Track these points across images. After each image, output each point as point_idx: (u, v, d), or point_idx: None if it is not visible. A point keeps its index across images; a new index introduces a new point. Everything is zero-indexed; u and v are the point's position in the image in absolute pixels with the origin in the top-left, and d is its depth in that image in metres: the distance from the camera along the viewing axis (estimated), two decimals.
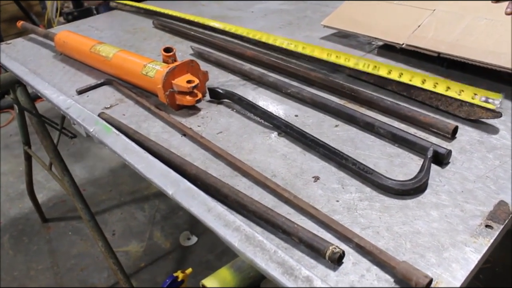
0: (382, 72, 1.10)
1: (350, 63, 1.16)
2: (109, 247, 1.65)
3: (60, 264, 2.14)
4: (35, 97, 1.95)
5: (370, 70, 1.12)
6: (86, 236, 2.28)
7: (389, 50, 1.31)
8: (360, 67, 1.14)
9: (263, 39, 1.37)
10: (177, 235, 2.26)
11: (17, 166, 2.88)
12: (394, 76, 1.08)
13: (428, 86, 1.02)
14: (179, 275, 1.47)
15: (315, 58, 1.23)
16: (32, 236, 2.33)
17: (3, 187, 2.72)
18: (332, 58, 1.19)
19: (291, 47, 1.29)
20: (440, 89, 1.00)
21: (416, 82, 1.04)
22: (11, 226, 2.41)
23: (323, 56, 1.21)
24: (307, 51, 1.25)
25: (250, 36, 1.41)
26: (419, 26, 1.23)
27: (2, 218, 2.46)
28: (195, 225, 2.31)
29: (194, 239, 2.23)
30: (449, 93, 0.99)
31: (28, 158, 2.04)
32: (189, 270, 1.49)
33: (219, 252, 2.14)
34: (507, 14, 0.96)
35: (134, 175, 2.70)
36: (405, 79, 1.06)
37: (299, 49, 1.27)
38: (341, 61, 1.18)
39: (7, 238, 2.33)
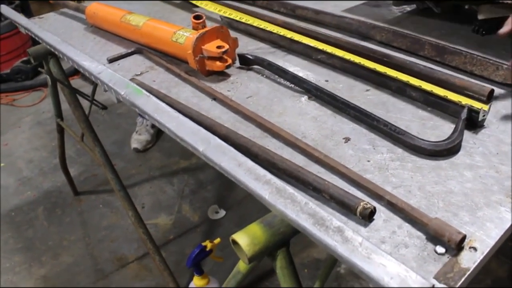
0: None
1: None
2: (139, 217, 1.68)
3: (91, 235, 2.19)
4: (68, 74, 1.98)
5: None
6: (116, 209, 2.33)
7: (422, 15, 1.28)
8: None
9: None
10: (205, 208, 2.28)
11: (50, 142, 2.94)
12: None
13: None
14: (208, 244, 1.48)
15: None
16: (65, 208, 2.39)
17: (36, 161, 2.79)
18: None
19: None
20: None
21: None
22: (45, 198, 2.48)
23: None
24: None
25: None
26: None
27: (36, 191, 2.53)
28: (223, 199, 2.33)
29: (222, 212, 2.25)
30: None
31: (61, 131, 2.08)
32: (217, 240, 1.50)
33: None
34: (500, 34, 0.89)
35: (163, 150, 2.74)
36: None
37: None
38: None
39: (41, 210, 2.39)
